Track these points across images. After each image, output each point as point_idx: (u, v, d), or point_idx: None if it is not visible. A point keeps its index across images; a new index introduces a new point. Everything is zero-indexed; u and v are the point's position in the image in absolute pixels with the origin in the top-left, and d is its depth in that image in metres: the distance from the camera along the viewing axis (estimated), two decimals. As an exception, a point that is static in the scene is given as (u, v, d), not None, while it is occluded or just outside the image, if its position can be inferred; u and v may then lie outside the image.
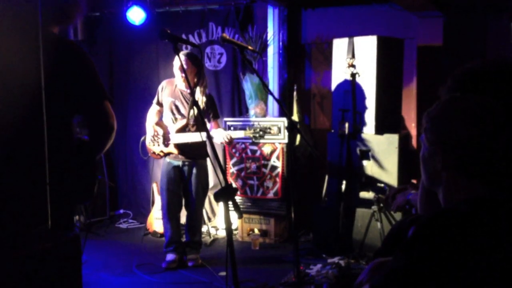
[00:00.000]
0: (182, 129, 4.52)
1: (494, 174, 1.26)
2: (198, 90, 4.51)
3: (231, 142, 4.54)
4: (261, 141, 5.38)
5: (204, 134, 2.40)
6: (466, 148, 1.25)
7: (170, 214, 4.68)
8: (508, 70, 1.43)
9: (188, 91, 4.51)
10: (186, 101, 4.57)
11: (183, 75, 4.40)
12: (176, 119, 4.59)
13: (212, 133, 4.45)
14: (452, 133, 1.27)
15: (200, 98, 4.52)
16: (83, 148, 2.56)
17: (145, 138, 4.71)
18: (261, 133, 4.45)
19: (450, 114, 1.29)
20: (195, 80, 4.48)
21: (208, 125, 4.63)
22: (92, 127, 2.53)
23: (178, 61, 4.39)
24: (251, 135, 4.51)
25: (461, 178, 1.28)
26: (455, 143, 1.27)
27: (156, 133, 4.54)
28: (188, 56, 4.46)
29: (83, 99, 2.45)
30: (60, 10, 2.41)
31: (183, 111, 4.59)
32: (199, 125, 4.48)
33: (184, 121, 4.52)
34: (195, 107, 4.38)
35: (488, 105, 1.27)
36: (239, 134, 4.56)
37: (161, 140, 4.55)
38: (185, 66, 4.38)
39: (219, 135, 4.46)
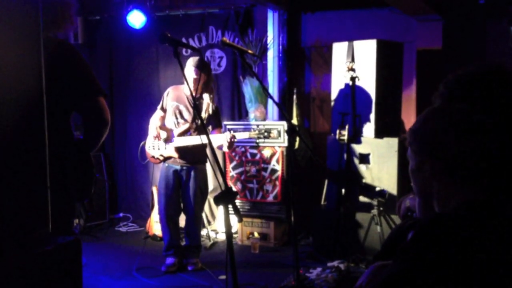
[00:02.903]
0: (184, 133, 4.52)
1: (482, 176, 1.27)
2: (207, 96, 4.54)
3: (232, 144, 4.40)
4: (261, 144, 5.39)
5: (204, 137, 2.41)
6: (451, 154, 1.27)
7: (167, 219, 4.67)
8: (498, 75, 1.43)
9: (196, 95, 4.52)
10: (190, 106, 4.58)
11: (195, 84, 4.44)
12: (178, 123, 4.59)
13: (214, 136, 4.42)
14: (435, 141, 1.29)
15: (210, 104, 4.55)
16: (80, 146, 2.59)
17: (144, 143, 4.71)
18: (265, 134, 4.37)
19: (431, 124, 1.31)
20: (204, 86, 4.52)
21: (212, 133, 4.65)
22: (87, 122, 2.59)
23: (190, 71, 4.44)
24: (256, 136, 4.43)
25: (451, 183, 1.29)
26: (440, 149, 1.28)
27: (158, 134, 4.53)
28: (199, 67, 4.45)
29: (78, 95, 2.50)
30: (52, 18, 2.44)
31: (186, 116, 4.59)
32: (200, 130, 4.48)
33: (187, 126, 4.52)
34: (201, 112, 4.39)
35: (467, 110, 1.29)
36: (244, 135, 4.47)
37: (161, 144, 4.55)
38: (196, 76, 4.44)
39: (222, 137, 4.37)
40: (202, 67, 4.48)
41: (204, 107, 4.52)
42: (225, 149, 4.46)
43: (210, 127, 4.61)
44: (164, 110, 4.68)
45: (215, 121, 4.64)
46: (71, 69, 2.45)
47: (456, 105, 1.32)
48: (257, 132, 4.39)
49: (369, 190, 4.90)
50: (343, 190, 4.86)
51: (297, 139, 5.10)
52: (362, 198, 4.95)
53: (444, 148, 1.27)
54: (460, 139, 1.26)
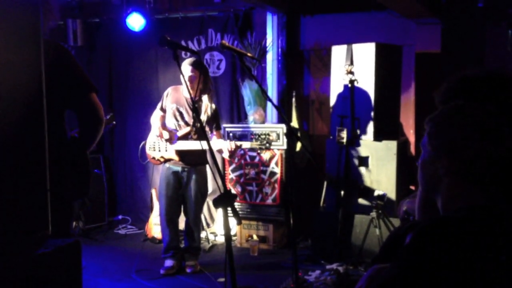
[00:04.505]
0: (185, 136, 4.52)
1: (495, 181, 1.26)
2: (206, 97, 4.53)
3: (234, 153, 4.38)
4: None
5: (205, 143, 2.41)
6: (471, 155, 1.25)
7: (168, 220, 4.67)
8: (502, 79, 1.43)
9: (195, 98, 4.51)
10: (190, 108, 4.57)
11: (190, 84, 4.41)
12: (179, 125, 4.59)
13: (214, 142, 4.42)
14: (458, 139, 1.27)
15: (209, 105, 4.54)
16: (76, 144, 2.60)
17: (145, 143, 4.72)
18: (267, 145, 4.33)
19: (457, 121, 1.29)
20: (201, 86, 4.48)
21: (211, 136, 4.64)
22: (82, 119, 2.60)
23: (186, 70, 4.42)
24: (257, 147, 4.37)
25: (462, 184, 1.28)
26: (461, 150, 1.26)
27: (161, 134, 4.52)
28: (194, 65, 4.45)
29: (70, 93, 2.51)
30: None
31: (186, 118, 4.59)
32: (200, 133, 4.47)
33: (188, 129, 4.52)
34: (200, 115, 4.38)
35: (493, 113, 1.27)
36: (245, 144, 4.43)
37: (163, 145, 4.55)
38: (191, 74, 4.42)
39: (223, 144, 4.33)
40: (198, 65, 4.46)
41: (203, 108, 4.52)
42: (226, 156, 4.44)
43: (208, 129, 4.60)
44: (163, 110, 4.68)
45: (214, 123, 4.63)
46: (62, 68, 2.46)
47: (484, 105, 1.29)
48: (259, 142, 4.36)
49: (368, 193, 4.90)
50: (342, 193, 4.87)
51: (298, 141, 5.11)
52: (361, 201, 4.95)
53: (464, 150, 1.25)
54: (482, 143, 1.24)
